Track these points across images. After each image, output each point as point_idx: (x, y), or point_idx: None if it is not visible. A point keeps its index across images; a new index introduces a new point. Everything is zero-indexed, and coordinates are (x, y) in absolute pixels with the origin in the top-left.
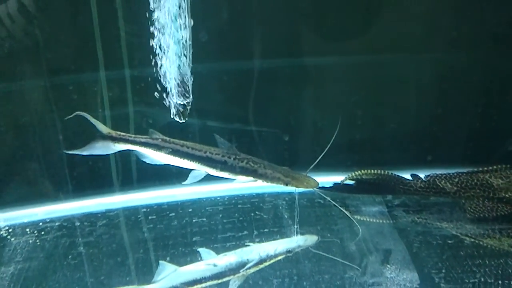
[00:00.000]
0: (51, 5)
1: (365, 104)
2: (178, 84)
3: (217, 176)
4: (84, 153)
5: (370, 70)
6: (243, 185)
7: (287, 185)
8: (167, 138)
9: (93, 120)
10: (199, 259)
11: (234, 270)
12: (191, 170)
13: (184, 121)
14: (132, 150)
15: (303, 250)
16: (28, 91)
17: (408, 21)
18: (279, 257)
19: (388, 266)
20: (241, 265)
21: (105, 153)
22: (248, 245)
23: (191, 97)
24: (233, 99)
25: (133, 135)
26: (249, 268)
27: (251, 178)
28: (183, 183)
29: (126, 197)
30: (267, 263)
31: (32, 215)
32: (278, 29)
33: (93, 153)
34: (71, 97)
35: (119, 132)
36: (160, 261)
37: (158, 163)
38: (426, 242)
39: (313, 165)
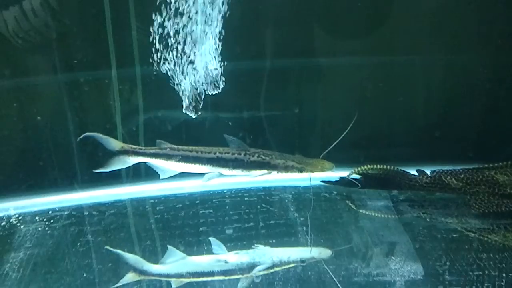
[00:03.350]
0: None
1: (374, 101)
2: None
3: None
4: (108, 170)
5: (378, 69)
6: (250, 179)
7: (301, 171)
8: (175, 146)
9: (104, 138)
10: (207, 248)
11: (244, 270)
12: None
13: (196, 116)
14: (145, 162)
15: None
16: (41, 84)
17: (416, 22)
18: (291, 265)
19: (393, 258)
20: (252, 266)
21: (123, 167)
22: (259, 247)
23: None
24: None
25: (143, 147)
26: (260, 270)
27: (265, 171)
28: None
29: (134, 189)
30: (278, 269)
31: (42, 204)
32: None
33: (115, 169)
34: (83, 89)
35: (131, 145)
36: (169, 246)
37: (171, 174)
38: (431, 236)
39: (325, 152)
